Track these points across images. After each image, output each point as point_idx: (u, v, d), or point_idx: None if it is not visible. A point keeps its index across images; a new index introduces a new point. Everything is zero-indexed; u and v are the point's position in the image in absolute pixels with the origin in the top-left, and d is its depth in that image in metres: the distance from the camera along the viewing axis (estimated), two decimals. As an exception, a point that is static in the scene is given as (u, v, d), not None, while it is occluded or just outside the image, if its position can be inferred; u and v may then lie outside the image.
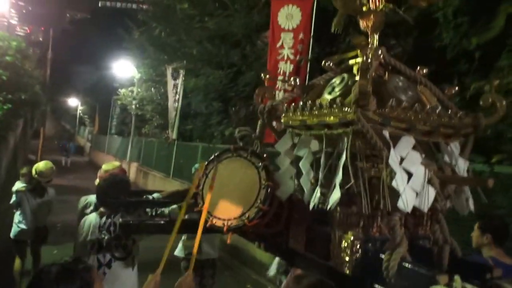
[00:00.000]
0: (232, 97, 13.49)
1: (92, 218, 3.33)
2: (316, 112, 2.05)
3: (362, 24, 2.23)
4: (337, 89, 2.12)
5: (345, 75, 2.17)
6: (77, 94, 46.92)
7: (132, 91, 21.50)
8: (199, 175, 2.50)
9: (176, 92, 15.59)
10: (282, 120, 2.31)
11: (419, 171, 1.82)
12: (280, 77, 8.15)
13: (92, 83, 39.56)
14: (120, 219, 2.77)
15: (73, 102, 49.49)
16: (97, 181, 3.63)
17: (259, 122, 2.45)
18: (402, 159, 1.84)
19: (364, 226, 1.96)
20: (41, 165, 6.32)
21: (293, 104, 2.22)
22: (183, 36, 15.53)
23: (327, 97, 2.13)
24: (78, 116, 49.61)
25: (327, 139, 2.04)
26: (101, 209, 3.30)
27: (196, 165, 4.78)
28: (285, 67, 8.58)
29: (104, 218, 3.21)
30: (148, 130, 21.30)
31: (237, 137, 2.55)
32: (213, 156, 2.44)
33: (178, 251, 4.99)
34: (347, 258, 1.93)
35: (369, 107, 1.76)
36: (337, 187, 1.92)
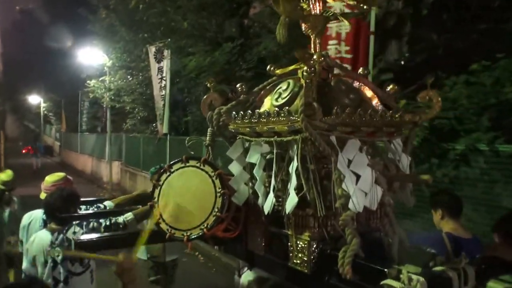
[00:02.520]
0: (242, 76, 10.71)
1: (42, 235, 3.21)
2: (265, 120, 2.10)
3: (305, 28, 2.29)
4: (283, 95, 2.18)
5: (290, 81, 2.23)
6: (39, 91, 42.69)
7: (104, 81, 18.18)
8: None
9: (162, 78, 12.96)
10: (231, 128, 2.35)
11: (366, 173, 1.93)
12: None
13: (54, 77, 35.99)
14: (73, 237, 2.69)
15: (35, 99, 45.13)
16: (42, 194, 3.47)
17: (209, 130, 2.48)
18: (349, 162, 1.93)
19: (319, 226, 2.06)
20: (2, 175, 5.91)
21: (241, 112, 2.26)
22: (168, 7, 12.58)
23: (275, 103, 2.18)
24: (42, 114, 45.65)
25: (278, 145, 2.10)
26: (52, 225, 3.18)
27: (152, 169, 4.71)
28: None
29: (55, 234, 3.11)
30: (130, 125, 18.25)
31: (187, 146, 2.56)
32: (165, 167, 2.44)
33: (141, 254, 4.98)
34: (305, 258, 2.03)
35: (315, 116, 1.83)
36: (292, 192, 1.99)
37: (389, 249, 2.03)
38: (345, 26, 5.55)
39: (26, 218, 3.72)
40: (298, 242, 2.07)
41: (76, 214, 3.14)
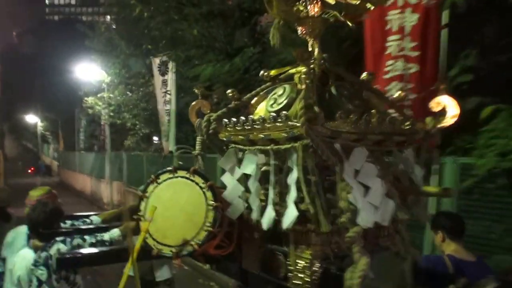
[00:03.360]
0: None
1: (24, 254, 2.94)
2: (260, 127, 1.88)
3: (301, 31, 2.08)
4: (279, 101, 1.97)
5: (286, 86, 2.02)
6: (35, 110, 41.89)
7: (102, 98, 17.08)
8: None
9: (166, 91, 11.81)
10: (223, 136, 2.12)
11: (376, 184, 1.70)
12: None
13: (50, 96, 35.40)
14: (56, 253, 2.44)
15: (32, 119, 43.95)
16: (26, 209, 3.20)
17: (198, 138, 2.25)
18: (357, 172, 1.71)
19: (322, 244, 1.83)
20: None
21: (233, 119, 2.03)
22: (174, 15, 11.07)
23: (270, 109, 1.96)
24: (39, 133, 44.39)
25: (275, 155, 1.88)
26: (35, 241, 2.92)
27: (142, 187, 4.45)
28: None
29: (38, 252, 2.85)
30: (132, 142, 17.03)
31: (175, 156, 2.33)
32: (151, 178, 2.20)
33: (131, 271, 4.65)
34: (306, 279, 1.79)
35: (317, 120, 1.61)
36: (292, 205, 1.77)
37: (402, 269, 1.80)
38: (410, 18, 4.50)
39: (10, 235, 3.44)
40: (298, 261, 1.84)
41: (59, 230, 2.89)
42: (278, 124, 1.79)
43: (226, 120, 2.07)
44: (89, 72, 17.84)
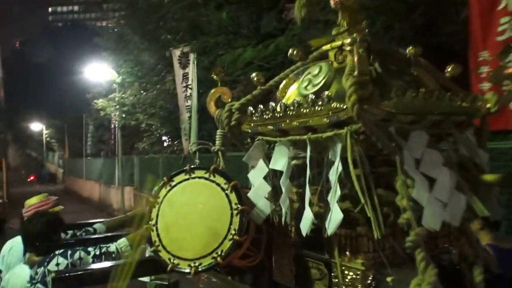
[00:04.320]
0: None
1: (18, 271, 2.55)
2: (294, 113, 1.55)
3: (334, 3, 1.74)
4: (315, 82, 1.63)
5: (323, 64, 1.69)
6: (40, 118, 40.33)
7: (113, 99, 15.76)
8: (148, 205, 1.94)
9: (187, 86, 10.53)
10: (247, 128, 1.79)
11: (444, 175, 1.37)
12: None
13: (56, 102, 34.65)
14: (52, 272, 2.06)
15: (37, 126, 42.96)
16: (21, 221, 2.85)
17: (218, 132, 1.92)
18: (417, 162, 1.38)
19: (375, 250, 1.49)
20: None
21: (260, 106, 1.70)
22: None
23: (304, 92, 1.62)
24: (44, 141, 43.01)
25: (313, 146, 1.54)
26: (31, 256, 2.56)
27: (157, 188, 4.09)
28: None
29: (35, 268, 2.48)
30: (147, 144, 15.94)
31: (191, 153, 2.00)
32: (164, 180, 1.86)
33: None
34: (357, 294, 1.45)
35: (371, 100, 1.27)
36: (336, 205, 1.43)
37: (471, 277, 1.46)
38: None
39: (6, 246, 3.08)
40: (346, 272, 1.50)
41: (59, 242, 2.54)
42: (318, 108, 1.46)
43: (251, 109, 1.73)
44: (98, 73, 16.80)
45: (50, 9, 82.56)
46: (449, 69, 1.73)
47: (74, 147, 31.20)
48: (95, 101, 16.99)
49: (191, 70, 10.37)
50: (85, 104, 22.59)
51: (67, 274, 1.90)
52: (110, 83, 16.24)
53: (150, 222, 1.81)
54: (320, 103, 1.44)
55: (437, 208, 1.33)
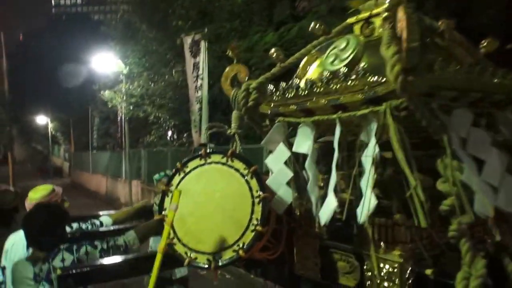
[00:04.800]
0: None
1: (20, 267, 2.39)
2: (322, 90, 1.40)
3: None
4: (343, 56, 1.47)
5: (350, 37, 1.52)
6: (46, 111, 39.09)
7: (120, 91, 15.03)
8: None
9: (198, 76, 9.89)
10: (266, 109, 1.64)
11: (492, 156, 1.21)
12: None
13: (62, 95, 34.09)
14: (58, 269, 1.89)
15: (42, 120, 41.74)
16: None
17: (234, 113, 1.76)
18: (463, 142, 1.22)
19: (412, 240, 1.34)
20: None
21: (282, 84, 1.55)
22: None
23: (330, 68, 1.47)
24: (50, 134, 41.79)
25: (343, 126, 1.39)
26: (34, 252, 2.39)
27: (156, 176, 3.95)
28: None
29: (39, 264, 2.31)
30: (156, 137, 15.45)
31: (206, 136, 1.84)
32: (177, 166, 1.71)
33: None
34: (395, 289, 1.30)
35: (417, 71, 1.12)
36: (369, 191, 1.28)
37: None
38: None
39: (9, 241, 2.91)
40: (382, 264, 1.35)
41: (63, 237, 2.39)
42: (351, 82, 1.30)
43: (271, 87, 1.58)
44: (104, 64, 16.00)
45: (53, 2, 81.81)
46: (484, 44, 1.57)
47: (80, 140, 30.75)
48: (101, 92, 16.23)
49: (202, 59, 9.76)
50: (90, 97, 22.10)
51: (73, 272, 1.75)
52: (116, 75, 15.46)
53: (163, 213, 1.66)
54: (354, 77, 1.29)
55: (489, 193, 1.18)
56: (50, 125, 41.28)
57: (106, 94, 15.45)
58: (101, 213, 3.04)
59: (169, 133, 14.19)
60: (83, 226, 2.81)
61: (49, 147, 44.79)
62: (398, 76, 1.11)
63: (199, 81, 9.85)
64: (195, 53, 9.89)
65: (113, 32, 15.81)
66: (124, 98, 14.49)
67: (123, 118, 16.62)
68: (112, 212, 3.09)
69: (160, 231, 1.64)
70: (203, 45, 9.66)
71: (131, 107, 14.45)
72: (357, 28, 1.61)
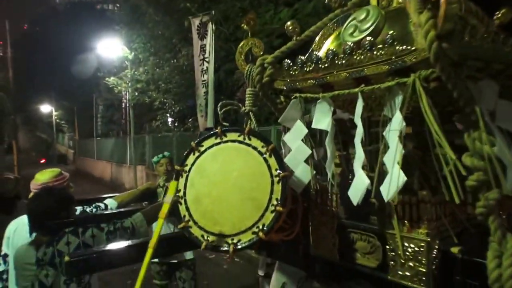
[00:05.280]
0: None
1: (22, 252, 2.29)
2: (344, 62, 1.33)
3: None
4: (363, 27, 1.40)
5: (370, 8, 1.45)
6: (50, 99, 39.03)
7: (125, 76, 14.63)
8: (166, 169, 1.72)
9: (204, 59, 9.63)
10: (281, 84, 1.57)
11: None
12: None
13: (66, 83, 33.88)
14: (66, 256, 1.82)
15: (46, 108, 41.81)
16: (31, 195, 2.61)
17: (248, 91, 1.69)
18: (492, 115, 1.17)
19: (439, 218, 1.29)
20: None
21: (300, 57, 1.48)
22: None
23: (350, 40, 1.39)
24: (54, 122, 41.68)
25: (366, 100, 1.33)
26: (38, 236, 2.31)
27: (155, 159, 3.86)
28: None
29: (43, 248, 2.23)
30: (161, 122, 15.26)
31: (220, 114, 1.78)
32: (191, 146, 1.64)
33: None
34: (421, 269, 1.25)
35: (453, 37, 1.05)
36: (396, 167, 1.22)
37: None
38: None
39: (11, 227, 2.83)
40: (407, 244, 1.29)
41: (68, 220, 2.32)
42: (376, 52, 1.24)
43: (288, 61, 1.51)
44: (109, 49, 15.69)
45: None
46: (499, 15, 1.50)
47: (84, 128, 30.39)
48: (106, 79, 15.72)
49: (209, 41, 9.41)
50: (95, 85, 22.01)
51: (82, 258, 1.69)
52: (121, 61, 15.19)
53: (177, 194, 1.59)
54: (380, 46, 1.22)
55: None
56: (55, 114, 41.09)
57: (111, 80, 15.12)
58: (105, 196, 2.97)
59: (170, 119, 13.80)
60: (88, 209, 2.74)
61: (53, 135, 44.67)
62: (433, 42, 1.04)
63: (205, 64, 9.59)
64: (202, 35, 9.58)
65: (119, 16, 15.46)
66: (130, 84, 14.26)
67: (127, 104, 16.43)
68: (116, 194, 3.01)
69: (169, 213, 1.58)
70: (210, 27, 9.34)
71: (136, 93, 14.12)
72: (373, 0, 1.55)
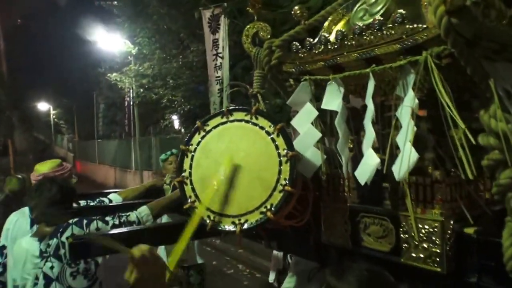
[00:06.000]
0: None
1: (24, 244, 2.31)
2: (354, 42, 1.37)
3: None
4: (373, 10, 1.45)
5: (380, -9, 1.49)
6: (47, 97, 38.29)
7: (129, 72, 14.15)
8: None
9: (217, 54, 9.34)
10: (290, 67, 1.62)
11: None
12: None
13: (65, 80, 33.17)
14: (69, 238, 1.88)
15: (44, 106, 40.84)
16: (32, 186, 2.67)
17: (256, 73, 1.74)
18: (509, 93, 1.20)
19: (452, 199, 1.33)
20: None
21: (308, 39, 1.52)
22: None
23: (360, 23, 1.43)
24: (52, 122, 41.38)
25: (377, 80, 1.37)
26: (41, 227, 2.36)
27: (163, 156, 3.92)
28: None
29: (46, 240, 2.28)
30: (169, 122, 14.98)
31: (227, 93, 1.82)
32: (197, 125, 1.68)
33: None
34: (435, 249, 1.29)
35: (462, 13, 1.09)
36: (408, 145, 1.26)
37: None
38: None
39: (11, 218, 2.87)
40: (420, 225, 1.33)
41: (72, 210, 2.37)
42: (387, 32, 1.28)
43: (297, 44, 1.55)
44: (111, 44, 15.39)
45: None
46: None
47: (84, 128, 29.86)
48: (108, 74, 15.34)
49: (222, 36, 9.08)
50: (95, 82, 21.57)
51: (84, 239, 1.74)
52: (124, 56, 14.94)
53: (182, 175, 1.64)
54: (390, 25, 1.26)
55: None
56: (53, 112, 40.50)
57: (113, 76, 14.73)
58: (109, 191, 3.02)
59: (177, 121, 13.41)
60: (91, 203, 2.80)
61: (51, 136, 44.03)
62: (442, 18, 1.08)
63: (219, 60, 9.22)
64: (214, 29, 9.18)
65: (120, 9, 14.90)
66: (134, 80, 13.92)
67: (131, 103, 16.12)
68: (121, 190, 3.06)
69: (175, 207, 1.62)
70: (222, 20, 9.00)
71: (141, 90, 13.80)
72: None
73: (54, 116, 41.26)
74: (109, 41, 15.27)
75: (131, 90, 14.94)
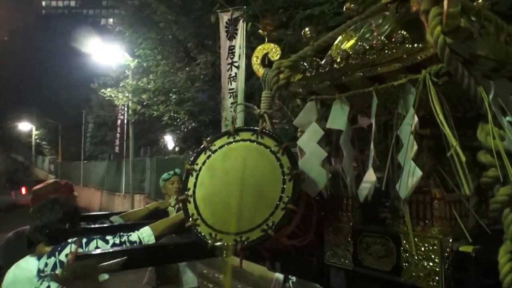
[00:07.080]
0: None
1: (24, 264, 2.42)
2: (358, 62, 1.51)
3: None
4: (379, 31, 1.60)
5: (386, 14, 1.66)
6: (30, 116, 38.25)
7: (125, 87, 13.82)
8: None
9: (232, 63, 8.73)
10: (297, 88, 1.76)
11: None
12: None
13: (50, 98, 33.13)
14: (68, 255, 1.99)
15: (25, 126, 40.87)
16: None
17: (264, 93, 1.89)
18: (503, 110, 1.33)
19: (451, 218, 1.43)
20: None
21: (316, 59, 1.67)
22: None
23: (367, 43, 1.58)
24: (33, 143, 41.35)
25: (380, 99, 1.50)
26: (40, 247, 2.48)
27: (165, 175, 4.05)
28: None
29: (44, 258, 2.40)
30: (163, 144, 15.01)
31: (233, 114, 1.97)
32: (203, 144, 1.82)
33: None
34: (434, 268, 1.39)
35: (458, 34, 1.23)
36: (411, 163, 1.38)
37: None
38: None
39: (10, 238, 2.99)
40: (420, 243, 1.43)
41: (72, 230, 2.49)
42: (388, 51, 1.42)
43: (304, 64, 1.70)
44: (107, 57, 15.17)
45: (44, 3, 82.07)
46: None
47: (69, 150, 30.10)
48: (102, 90, 15.00)
49: (239, 42, 8.54)
50: (84, 100, 21.94)
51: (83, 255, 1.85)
52: (120, 70, 14.70)
53: (186, 193, 1.76)
54: (392, 45, 1.40)
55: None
56: (35, 133, 40.00)
57: (108, 92, 14.45)
58: (111, 212, 3.15)
59: (171, 142, 13.30)
60: (92, 226, 2.92)
61: (31, 157, 43.92)
62: (438, 37, 1.22)
63: (234, 70, 8.73)
64: (231, 35, 8.66)
65: (122, 18, 14.79)
66: (130, 96, 13.69)
67: (124, 121, 16.02)
68: (123, 213, 3.19)
69: (178, 229, 1.74)
70: (241, 25, 8.44)
71: (139, 107, 13.54)
72: (392, 8, 1.74)
73: (36, 137, 41.15)
74: (105, 54, 15.08)
75: (125, 108, 14.76)
